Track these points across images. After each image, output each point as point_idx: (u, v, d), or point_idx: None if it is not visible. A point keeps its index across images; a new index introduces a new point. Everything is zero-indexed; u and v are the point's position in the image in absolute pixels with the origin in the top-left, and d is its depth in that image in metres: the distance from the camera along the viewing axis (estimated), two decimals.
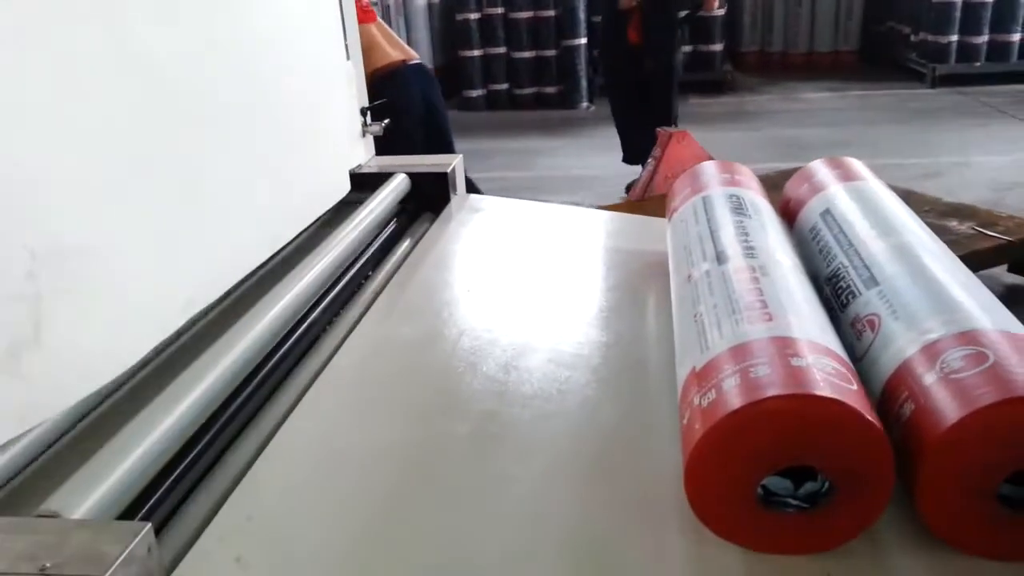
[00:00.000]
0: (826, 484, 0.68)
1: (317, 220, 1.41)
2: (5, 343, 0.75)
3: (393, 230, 1.52)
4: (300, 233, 1.35)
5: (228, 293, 1.13)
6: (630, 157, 5.06)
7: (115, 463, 0.74)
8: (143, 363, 0.96)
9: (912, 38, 7.63)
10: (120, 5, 0.92)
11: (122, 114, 0.92)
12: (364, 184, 1.55)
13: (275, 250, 1.24)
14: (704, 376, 0.73)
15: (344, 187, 1.52)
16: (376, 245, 1.43)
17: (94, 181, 0.87)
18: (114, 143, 0.91)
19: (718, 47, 7.71)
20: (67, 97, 0.84)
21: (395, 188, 1.53)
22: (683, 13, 4.94)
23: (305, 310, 1.13)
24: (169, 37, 1.00)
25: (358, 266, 1.34)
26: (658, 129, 4.42)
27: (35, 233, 0.78)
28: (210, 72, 1.09)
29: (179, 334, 1.05)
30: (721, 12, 4.88)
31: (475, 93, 7.61)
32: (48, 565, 0.59)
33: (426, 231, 1.50)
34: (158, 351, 1.00)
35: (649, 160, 4.28)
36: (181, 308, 1.01)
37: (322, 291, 1.20)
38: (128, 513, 0.76)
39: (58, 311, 0.80)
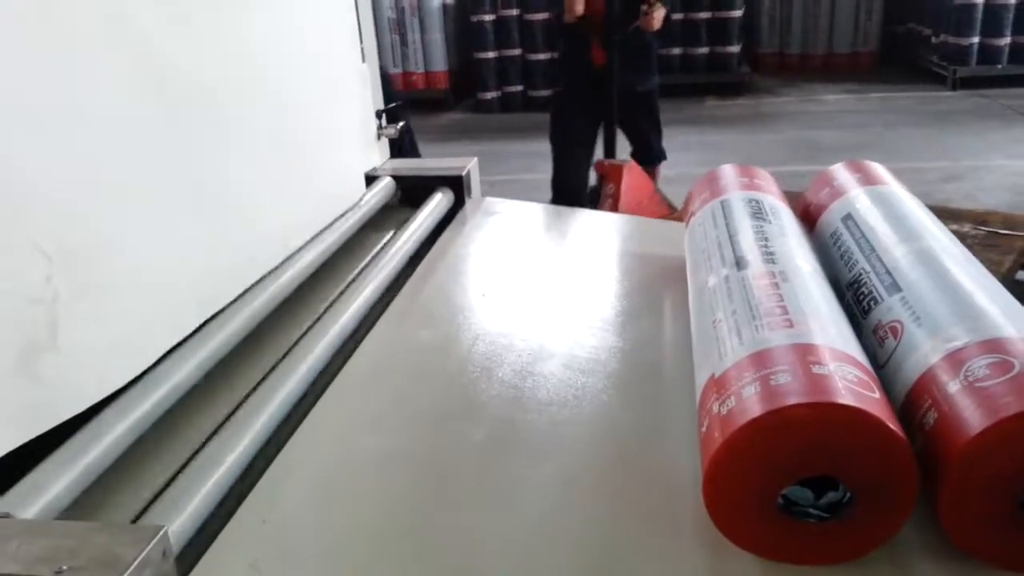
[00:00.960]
0: (848, 494, 0.67)
1: (332, 222, 1.41)
2: (21, 345, 0.75)
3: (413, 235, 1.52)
4: (315, 236, 1.35)
5: (242, 295, 1.13)
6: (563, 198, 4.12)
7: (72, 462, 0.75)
8: (157, 364, 0.97)
9: (933, 40, 7.57)
10: (134, 7, 0.92)
11: (137, 117, 0.92)
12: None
13: (290, 253, 1.24)
14: (723, 383, 0.73)
15: (359, 191, 1.52)
16: (383, 247, 1.43)
17: (110, 184, 0.88)
18: (129, 146, 0.91)
19: (736, 48, 7.68)
20: (83, 100, 0.84)
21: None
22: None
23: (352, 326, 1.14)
24: (184, 39, 1.01)
25: (366, 267, 1.35)
26: (600, 161, 3.93)
27: (52, 236, 0.79)
28: (225, 73, 1.10)
29: (194, 335, 1.05)
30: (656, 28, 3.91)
31: (489, 95, 7.62)
32: (64, 568, 0.59)
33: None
34: (173, 355, 1.00)
35: (605, 198, 3.74)
36: (196, 310, 1.01)
37: (324, 292, 1.20)
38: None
39: (75, 314, 0.80)
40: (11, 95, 0.76)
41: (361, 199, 1.49)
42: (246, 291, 1.11)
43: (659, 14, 3.79)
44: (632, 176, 3.79)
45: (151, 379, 0.90)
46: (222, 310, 1.05)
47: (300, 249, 1.26)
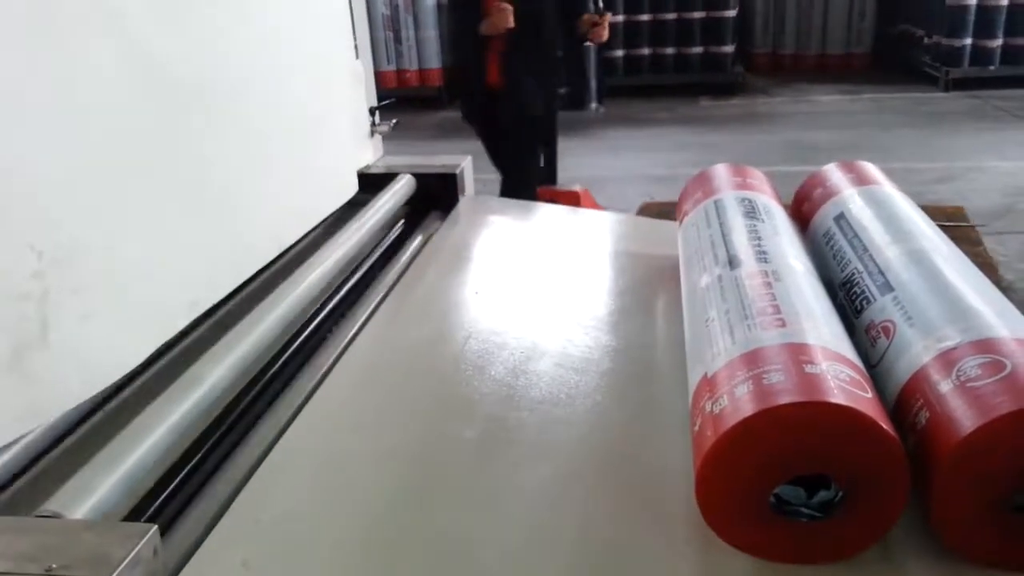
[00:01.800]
0: (839, 493, 0.67)
1: (325, 220, 1.40)
2: (12, 343, 0.75)
3: (401, 231, 1.52)
4: (308, 234, 1.34)
5: (234, 294, 1.13)
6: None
7: (117, 463, 0.74)
8: (148, 363, 0.96)
9: (925, 41, 7.58)
10: (124, 5, 0.92)
11: (129, 114, 0.91)
12: (373, 184, 1.55)
13: (281, 250, 1.24)
14: (716, 382, 0.73)
15: (352, 187, 1.51)
16: (383, 246, 1.43)
17: (100, 182, 0.87)
18: (121, 144, 0.90)
19: (729, 49, 7.68)
20: (74, 98, 0.84)
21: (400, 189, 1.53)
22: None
23: (309, 312, 1.12)
24: (174, 37, 1.00)
25: (365, 267, 1.34)
26: (547, 188, 3.54)
27: (42, 233, 0.78)
28: (215, 71, 1.09)
29: (185, 335, 1.04)
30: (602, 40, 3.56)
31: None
32: (54, 566, 0.59)
33: (434, 231, 1.50)
34: (163, 352, 0.99)
35: None
36: (186, 309, 1.00)
37: (327, 293, 1.19)
38: (134, 514, 0.75)
39: (64, 311, 0.80)
40: (2, 93, 0.76)
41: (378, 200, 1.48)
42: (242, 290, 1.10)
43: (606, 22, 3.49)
44: (588, 204, 3.51)
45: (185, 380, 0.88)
46: (214, 309, 1.05)
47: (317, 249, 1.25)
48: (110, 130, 0.89)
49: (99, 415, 0.89)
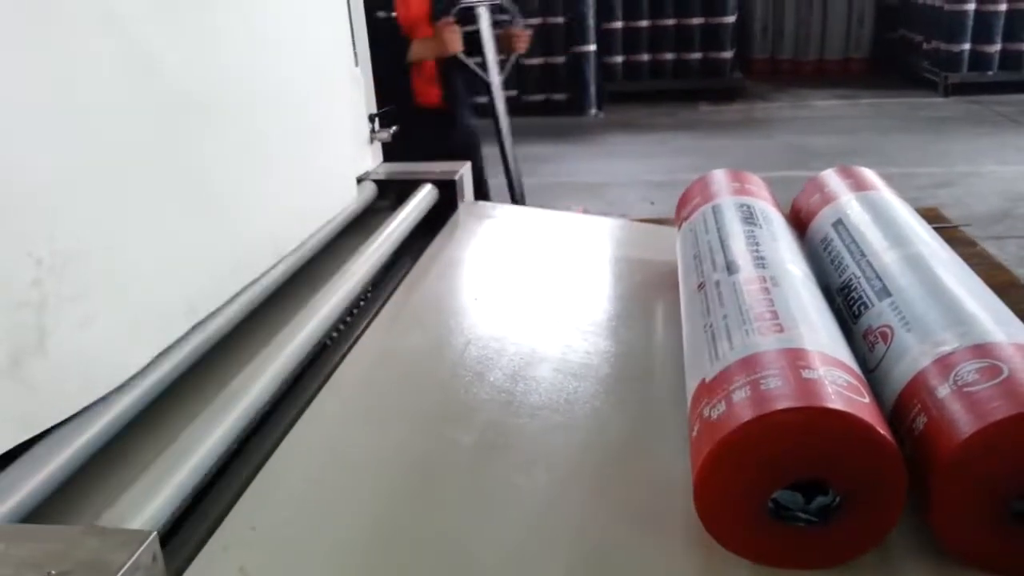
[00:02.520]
0: (837, 498, 0.67)
1: (323, 226, 1.40)
2: (9, 350, 0.75)
3: (399, 237, 1.52)
4: (306, 240, 1.34)
5: (232, 300, 1.13)
6: None
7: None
8: (147, 371, 0.96)
9: (924, 46, 7.60)
10: (121, 6, 0.92)
11: (128, 120, 0.92)
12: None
13: (280, 257, 1.24)
14: (714, 387, 0.73)
15: (351, 194, 1.52)
16: (382, 252, 1.43)
17: (99, 188, 0.87)
18: (120, 150, 0.90)
19: (728, 54, 7.71)
20: (74, 102, 0.84)
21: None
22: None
23: (327, 325, 1.13)
24: (175, 41, 1.00)
25: (368, 276, 1.34)
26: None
27: (41, 240, 0.78)
28: (214, 76, 1.09)
29: (183, 341, 1.05)
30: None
31: (483, 99, 7.62)
32: (53, 573, 0.59)
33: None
34: (162, 358, 0.99)
35: None
36: (184, 315, 1.00)
37: (343, 304, 1.20)
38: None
39: (63, 318, 0.80)
40: (2, 96, 0.76)
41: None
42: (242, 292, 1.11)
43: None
44: None
45: (138, 379, 0.90)
46: (213, 314, 1.05)
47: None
48: (109, 134, 0.89)
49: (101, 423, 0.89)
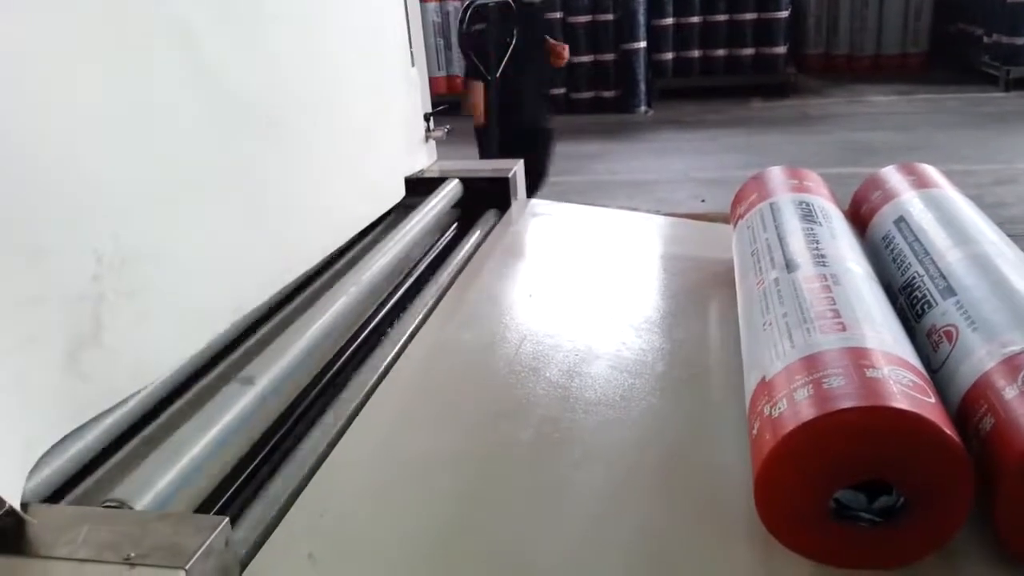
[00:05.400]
0: (901, 499, 0.66)
1: (371, 225, 1.44)
2: (68, 342, 0.78)
3: (454, 233, 1.53)
4: (352, 239, 1.38)
5: (282, 296, 1.17)
6: None
7: (178, 456, 0.78)
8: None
9: (984, 40, 7.38)
10: (190, 16, 0.95)
11: (189, 129, 0.95)
12: (430, 189, 1.57)
13: (326, 255, 1.27)
14: (774, 386, 0.72)
15: (399, 193, 1.54)
16: (437, 248, 1.45)
17: (161, 193, 0.91)
18: (180, 157, 0.94)
19: (782, 50, 7.58)
20: (140, 108, 0.88)
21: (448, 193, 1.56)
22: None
23: (363, 313, 1.16)
24: (237, 54, 1.03)
25: (420, 269, 1.36)
26: None
27: (102, 237, 0.82)
28: (275, 88, 1.12)
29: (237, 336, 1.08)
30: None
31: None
32: (132, 555, 0.62)
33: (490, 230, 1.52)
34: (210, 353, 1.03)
35: None
36: (230, 312, 1.04)
37: (378, 295, 1.22)
38: (205, 507, 0.78)
39: (119, 313, 0.83)
40: (77, 103, 0.79)
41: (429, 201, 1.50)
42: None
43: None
44: None
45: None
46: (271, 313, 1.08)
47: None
48: (174, 143, 0.92)
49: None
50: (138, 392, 0.87)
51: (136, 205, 0.87)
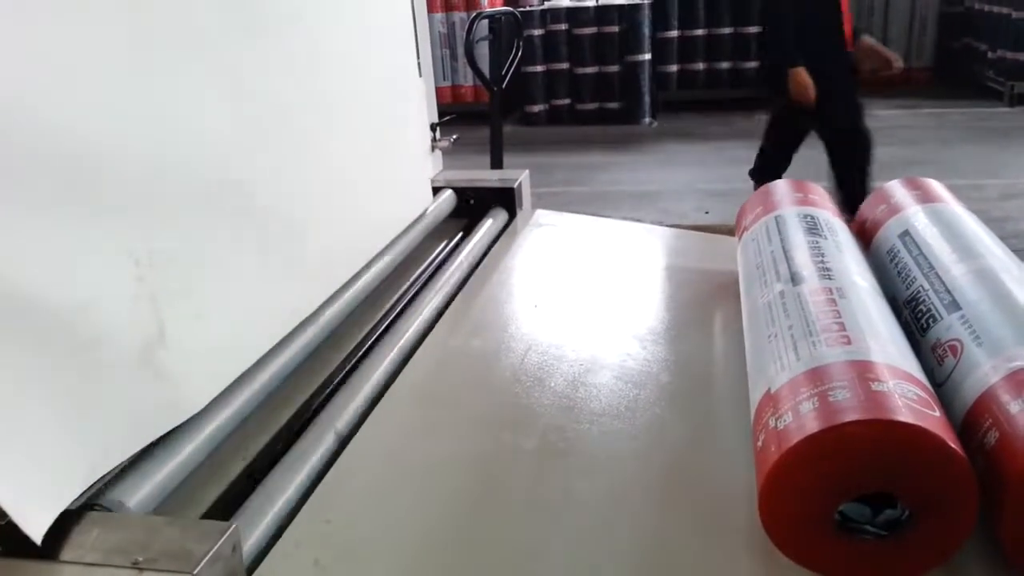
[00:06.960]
0: (906, 512, 0.66)
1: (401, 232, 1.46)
2: (140, 342, 0.80)
3: (457, 243, 1.54)
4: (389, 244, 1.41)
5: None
6: None
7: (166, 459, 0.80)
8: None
9: (989, 55, 7.40)
10: (211, 32, 0.96)
11: (217, 138, 0.97)
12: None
13: (367, 261, 1.31)
14: (780, 398, 0.73)
15: (426, 199, 1.56)
16: (440, 257, 1.46)
17: (199, 202, 0.93)
18: (208, 161, 0.95)
19: None
20: (171, 121, 0.89)
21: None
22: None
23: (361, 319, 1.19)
24: (259, 66, 1.06)
25: (425, 276, 1.37)
26: None
27: (140, 240, 0.83)
28: (302, 97, 1.15)
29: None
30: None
31: (537, 108, 7.64)
32: (140, 560, 0.62)
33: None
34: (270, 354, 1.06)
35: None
36: (288, 317, 1.09)
37: (380, 303, 1.25)
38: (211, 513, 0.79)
39: (175, 313, 0.85)
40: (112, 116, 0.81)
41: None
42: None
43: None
44: None
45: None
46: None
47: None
48: (202, 154, 0.94)
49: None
50: None
51: (169, 207, 0.89)
